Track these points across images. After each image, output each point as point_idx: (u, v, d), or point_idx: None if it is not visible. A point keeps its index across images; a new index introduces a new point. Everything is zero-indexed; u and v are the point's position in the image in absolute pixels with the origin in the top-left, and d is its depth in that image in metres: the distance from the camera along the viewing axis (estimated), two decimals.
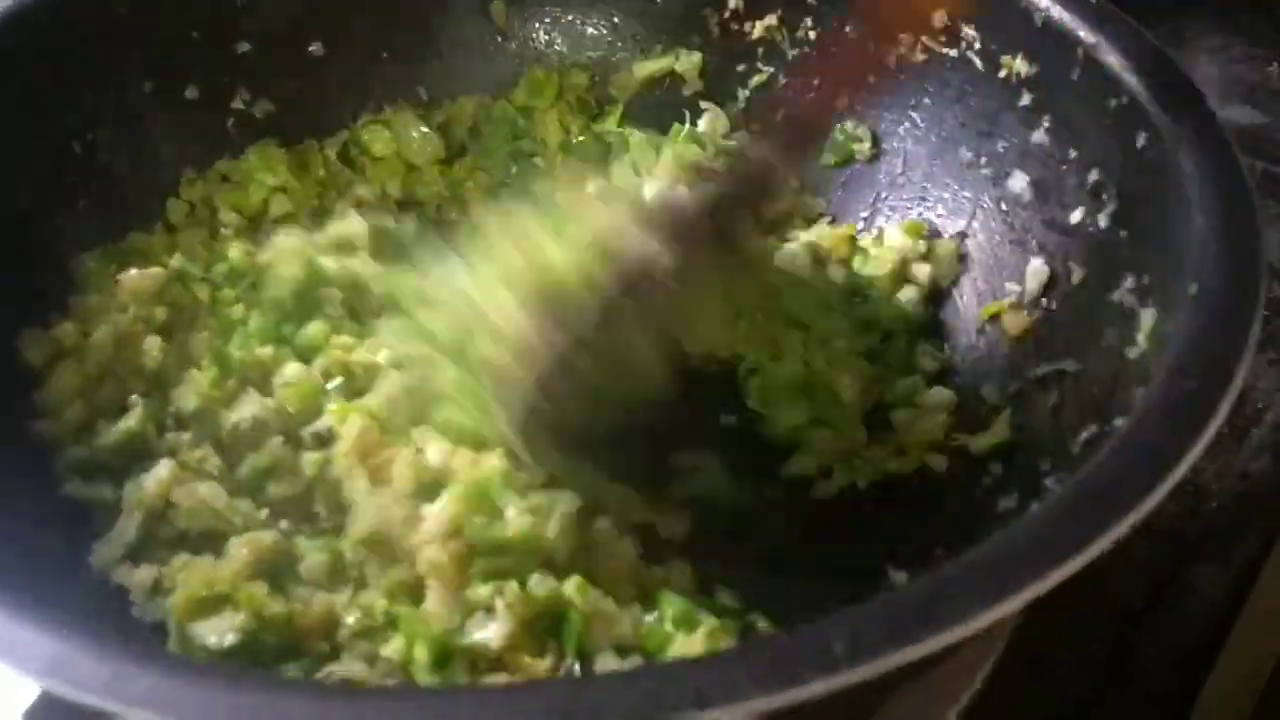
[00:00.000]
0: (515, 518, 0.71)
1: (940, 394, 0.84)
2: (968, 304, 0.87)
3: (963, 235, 0.89)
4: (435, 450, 0.76)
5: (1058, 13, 0.81)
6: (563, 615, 0.68)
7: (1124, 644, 0.81)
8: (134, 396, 0.80)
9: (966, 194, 0.89)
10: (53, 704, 0.50)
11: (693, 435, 0.82)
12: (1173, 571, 0.85)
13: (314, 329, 0.84)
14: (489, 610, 0.67)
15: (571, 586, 0.68)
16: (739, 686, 0.47)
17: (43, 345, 0.82)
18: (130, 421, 0.78)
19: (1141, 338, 0.70)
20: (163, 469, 0.74)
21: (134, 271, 0.85)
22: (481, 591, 0.67)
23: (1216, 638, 0.81)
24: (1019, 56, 0.84)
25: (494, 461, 0.74)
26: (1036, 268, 0.82)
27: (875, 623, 0.49)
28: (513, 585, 0.67)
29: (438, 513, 0.71)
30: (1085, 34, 0.79)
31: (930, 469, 0.80)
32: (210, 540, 0.72)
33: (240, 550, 0.70)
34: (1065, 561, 0.51)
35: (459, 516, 0.71)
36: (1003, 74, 0.85)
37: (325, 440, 0.78)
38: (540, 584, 0.68)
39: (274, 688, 0.47)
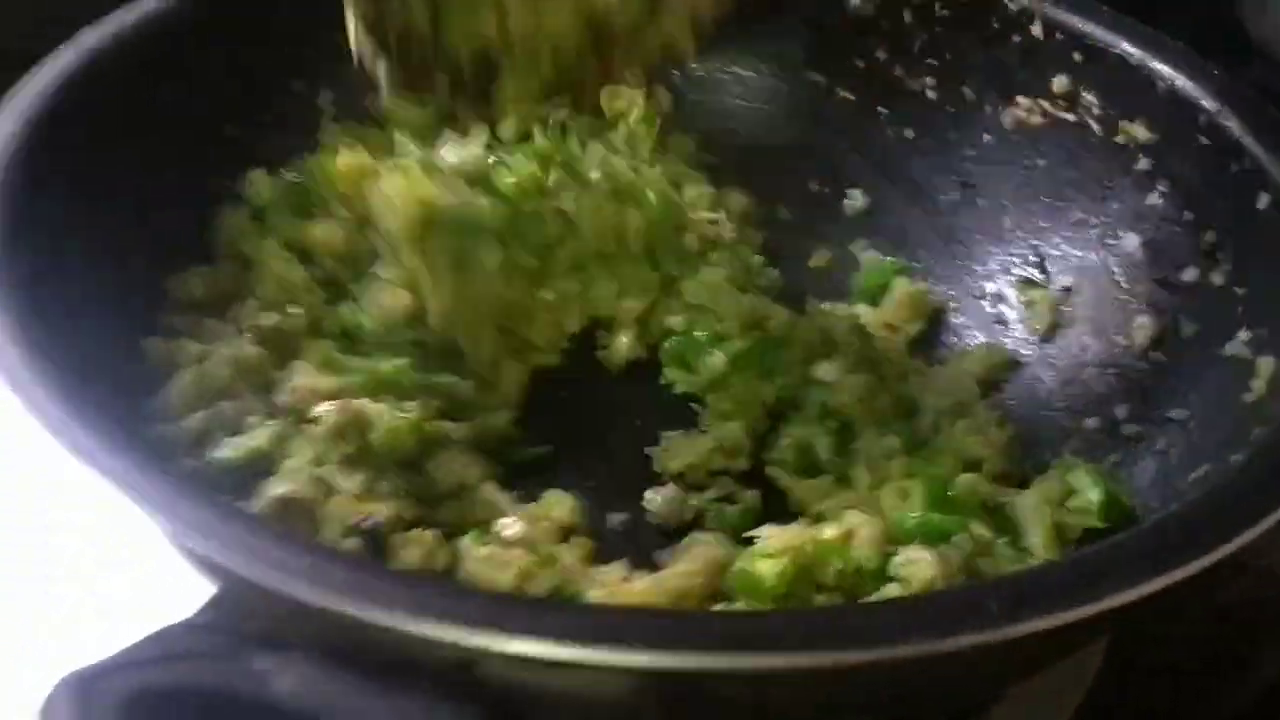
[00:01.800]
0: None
1: None
2: (1074, 356, 0.89)
3: (1068, 290, 0.91)
4: None
5: (1181, 82, 0.84)
6: None
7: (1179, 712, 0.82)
8: (256, 418, 0.75)
9: (1076, 252, 0.91)
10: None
11: None
12: (1234, 649, 0.86)
13: None
14: None
15: None
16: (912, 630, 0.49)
17: (162, 353, 0.78)
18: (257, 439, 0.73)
19: (1259, 384, 0.72)
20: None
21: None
22: None
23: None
24: (1138, 123, 0.87)
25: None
26: (1144, 323, 0.84)
27: (1031, 588, 0.52)
28: None
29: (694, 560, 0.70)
30: (1208, 102, 0.82)
31: None
32: None
33: (410, 551, 0.68)
34: (1216, 546, 0.53)
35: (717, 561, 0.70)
36: (1120, 139, 0.88)
37: None
38: None
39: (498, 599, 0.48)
